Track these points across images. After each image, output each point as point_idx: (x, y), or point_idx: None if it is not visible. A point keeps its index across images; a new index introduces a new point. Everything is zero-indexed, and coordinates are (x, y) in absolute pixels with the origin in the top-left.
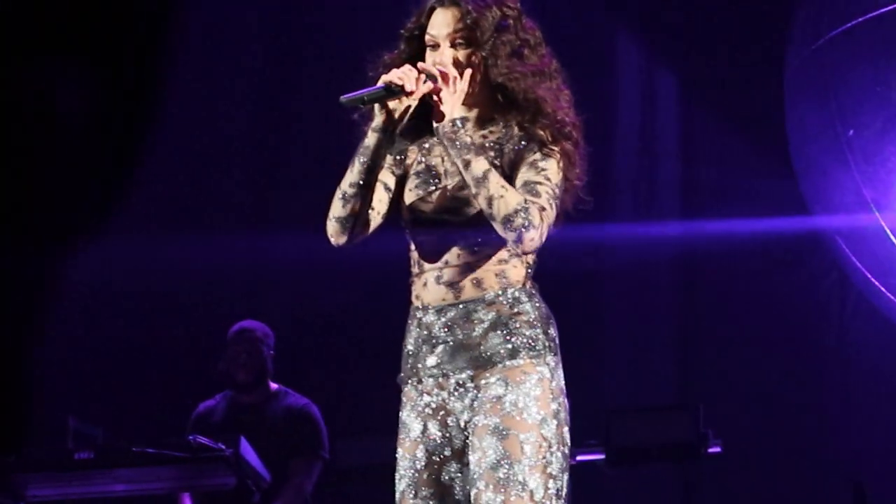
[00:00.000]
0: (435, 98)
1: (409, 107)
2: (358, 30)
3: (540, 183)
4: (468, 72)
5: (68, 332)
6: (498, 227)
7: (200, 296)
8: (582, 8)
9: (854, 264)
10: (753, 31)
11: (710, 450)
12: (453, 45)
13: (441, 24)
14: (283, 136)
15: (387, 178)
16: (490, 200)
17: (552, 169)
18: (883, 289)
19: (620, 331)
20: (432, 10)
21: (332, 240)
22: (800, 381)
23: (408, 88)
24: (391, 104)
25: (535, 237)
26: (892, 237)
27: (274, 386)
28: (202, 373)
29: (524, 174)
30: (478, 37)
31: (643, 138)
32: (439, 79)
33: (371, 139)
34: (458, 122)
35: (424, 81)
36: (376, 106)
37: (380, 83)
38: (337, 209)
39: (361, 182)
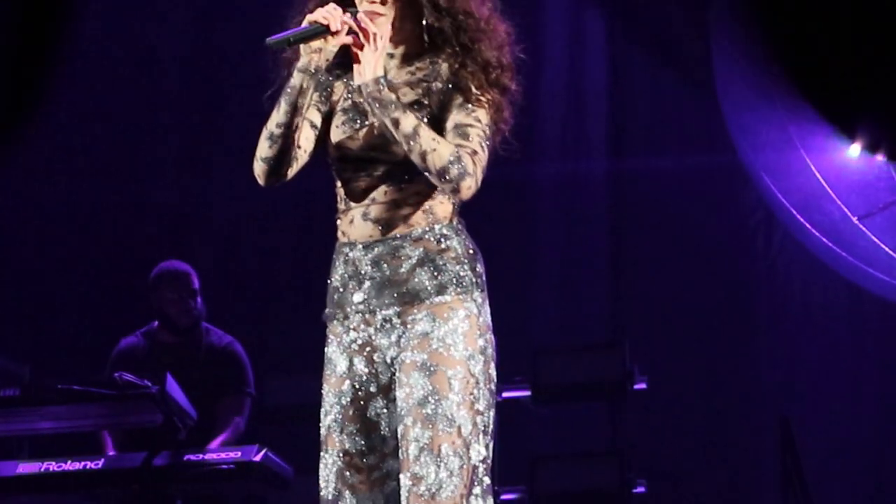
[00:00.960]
0: (355, 50)
1: (334, 46)
2: None
3: (470, 125)
4: (387, 28)
5: None
6: (433, 179)
7: (127, 235)
8: None
9: (780, 201)
10: None
11: (636, 386)
12: None
13: None
14: (211, 79)
15: (313, 115)
16: (423, 156)
17: (482, 111)
18: (808, 225)
19: (549, 268)
20: None
21: (260, 180)
22: (728, 318)
23: (333, 28)
24: (316, 43)
25: (471, 185)
26: (816, 173)
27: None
28: (126, 309)
29: (454, 116)
30: None
31: (571, 74)
32: (360, 34)
33: (296, 79)
34: (382, 81)
35: (349, 29)
36: (301, 46)
37: (305, 23)
38: (264, 149)
39: (287, 122)
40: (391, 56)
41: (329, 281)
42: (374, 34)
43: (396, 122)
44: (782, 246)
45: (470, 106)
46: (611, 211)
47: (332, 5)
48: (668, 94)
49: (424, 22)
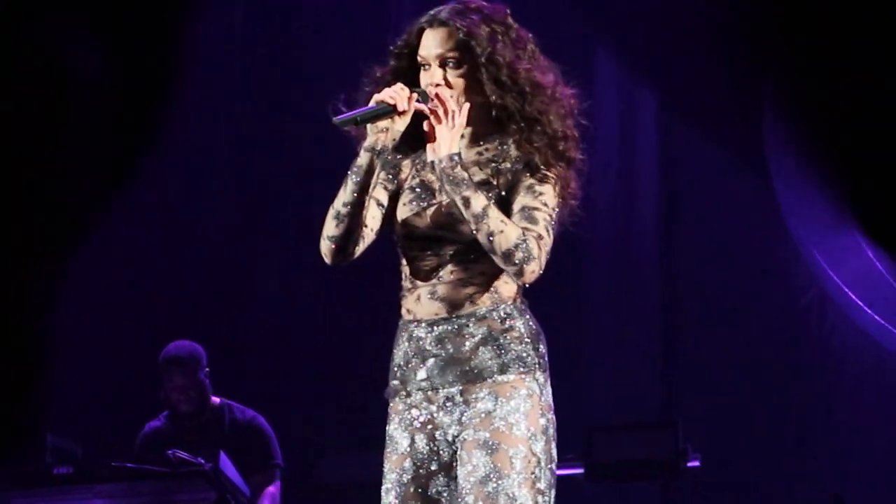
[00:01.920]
0: (429, 127)
1: (401, 126)
2: (347, 47)
3: (537, 209)
4: (466, 105)
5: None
6: (498, 260)
7: (182, 313)
8: (560, 25)
9: (833, 279)
10: (732, 48)
11: (689, 464)
12: (443, 66)
13: (431, 44)
14: (272, 153)
15: (380, 194)
16: (490, 237)
17: (549, 193)
18: (860, 302)
19: (602, 347)
20: (421, 30)
21: (327, 258)
22: (780, 396)
23: (399, 108)
24: (383, 123)
25: (535, 269)
26: (868, 251)
27: (216, 400)
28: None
29: (522, 199)
30: (469, 56)
31: (622, 153)
32: (438, 109)
33: (363, 158)
34: (456, 158)
35: (417, 101)
36: (368, 126)
37: (372, 103)
38: (330, 228)
39: (354, 201)
40: (461, 136)
41: (391, 358)
42: (452, 112)
43: (467, 201)
44: (835, 323)
45: (538, 188)
46: (663, 288)
47: (399, 85)
48: (720, 172)
49: (490, 99)
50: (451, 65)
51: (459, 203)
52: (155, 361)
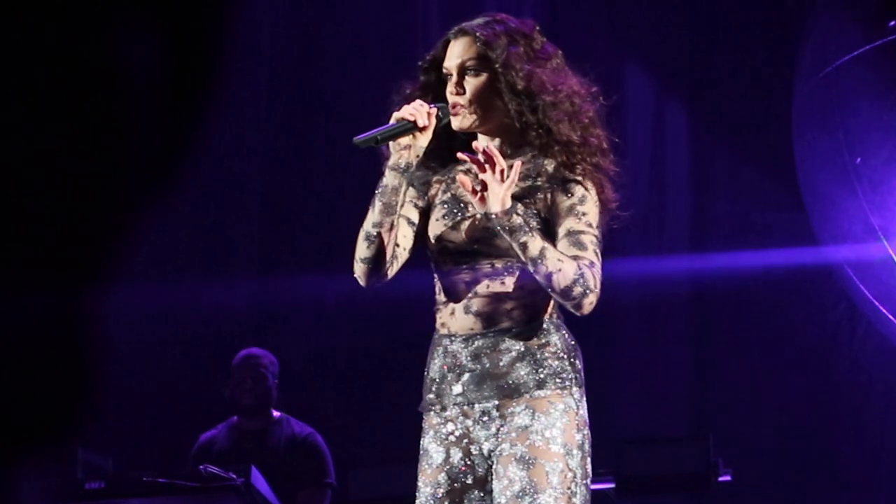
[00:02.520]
0: (477, 183)
1: (423, 142)
2: (369, 70)
3: (583, 232)
4: (517, 164)
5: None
6: (556, 296)
7: (210, 332)
8: (591, 40)
9: (863, 293)
10: (762, 64)
11: (721, 478)
12: (463, 73)
13: (453, 54)
14: (294, 177)
15: (410, 212)
16: (549, 277)
17: (591, 211)
18: (892, 317)
19: (632, 359)
20: (447, 42)
21: (361, 281)
22: (811, 411)
23: (420, 124)
24: (405, 140)
25: (593, 301)
26: None
27: (276, 414)
28: (208, 403)
29: (566, 222)
30: (487, 64)
31: (654, 171)
32: (487, 164)
33: (389, 177)
34: (511, 211)
35: (438, 116)
36: (391, 143)
37: (392, 121)
38: (362, 251)
39: (383, 221)
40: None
41: (426, 372)
42: (503, 169)
43: (524, 246)
44: (866, 337)
45: (579, 209)
46: (693, 301)
47: (418, 101)
48: (750, 186)
49: (508, 108)
50: (469, 73)
51: (517, 248)
52: (186, 375)
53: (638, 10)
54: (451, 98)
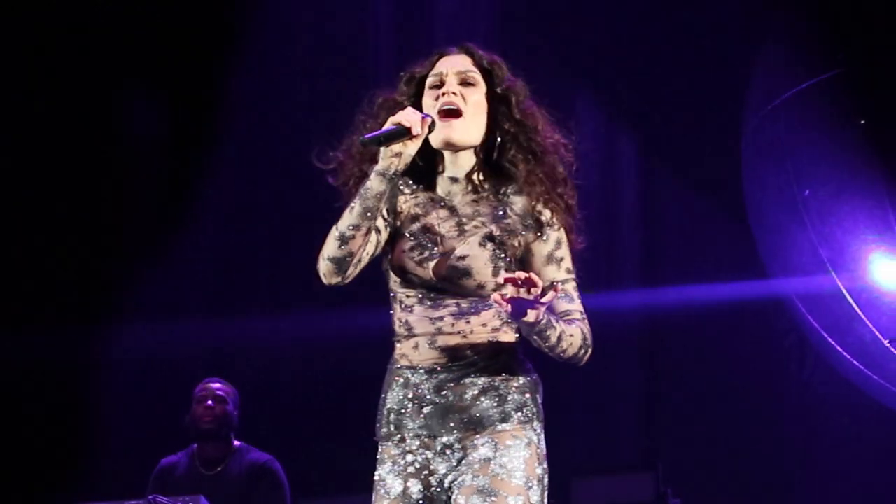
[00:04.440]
0: (505, 299)
1: (412, 150)
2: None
3: (566, 281)
4: (550, 294)
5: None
6: (563, 361)
7: (166, 358)
8: (539, 71)
9: (811, 324)
10: (711, 96)
11: None
12: (462, 83)
13: (451, 63)
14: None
15: (378, 221)
16: (562, 354)
17: (567, 256)
18: (839, 348)
19: (583, 390)
20: (440, 56)
21: (325, 279)
22: (761, 440)
23: (413, 132)
24: (397, 147)
25: (590, 353)
26: (848, 297)
27: (237, 443)
28: (165, 431)
29: (547, 271)
30: (488, 82)
31: (603, 204)
32: (522, 286)
33: (374, 182)
34: (543, 315)
35: (429, 126)
36: (382, 149)
37: (389, 124)
38: (332, 249)
39: (361, 224)
40: (454, 180)
41: (382, 401)
42: (541, 290)
43: (546, 339)
44: (815, 369)
45: (557, 254)
46: (643, 333)
47: (410, 109)
48: (700, 220)
49: (496, 134)
50: (469, 83)
51: (538, 340)
52: (139, 408)
53: (587, 42)
54: (448, 98)
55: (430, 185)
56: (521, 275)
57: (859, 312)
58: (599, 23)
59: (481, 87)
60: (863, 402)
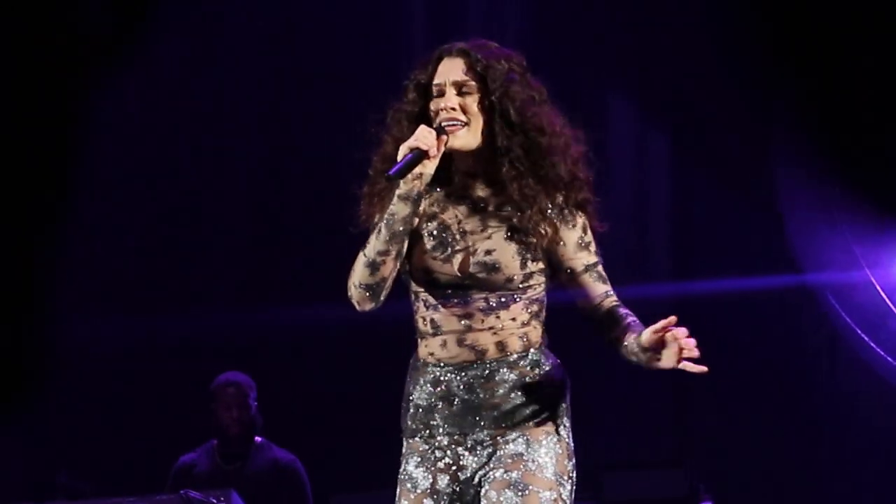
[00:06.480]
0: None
1: (431, 169)
2: (357, 90)
3: (598, 263)
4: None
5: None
6: None
7: (186, 356)
8: (572, 68)
9: (843, 319)
10: (744, 90)
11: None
12: (460, 93)
13: (448, 71)
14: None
15: None
16: None
17: (593, 239)
18: (872, 343)
19: (615, 386)
20: (439, 59)
21: (358, 306)
22: (792, 435)
23: (431, 154)
24: (417, 170)
25: None
26: (881, 291)
27: (258, 439)
28: (187, 426)
29: (580, 256)
30: (484, 88)
31: (635, 198)
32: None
33: (398, 207)
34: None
35: (438, 137)
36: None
37: (405, 149)
38: (364, 276)
39: (389, 249)
40: (470, 175)
41: (409, 397)
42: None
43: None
44: (847, 364)
45: (585, 239)
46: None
47: (423, 128)
48: (732, 215)
49: (495, 136)
50: (467, 92)
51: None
52: (162, 398)
53: (621, 44)
54: (447, 113)
55: (445, 183)
56: (672, 319)
57: (893, 308)
58: (630, 19)
59: (476, 95)
60: (894, 395)
